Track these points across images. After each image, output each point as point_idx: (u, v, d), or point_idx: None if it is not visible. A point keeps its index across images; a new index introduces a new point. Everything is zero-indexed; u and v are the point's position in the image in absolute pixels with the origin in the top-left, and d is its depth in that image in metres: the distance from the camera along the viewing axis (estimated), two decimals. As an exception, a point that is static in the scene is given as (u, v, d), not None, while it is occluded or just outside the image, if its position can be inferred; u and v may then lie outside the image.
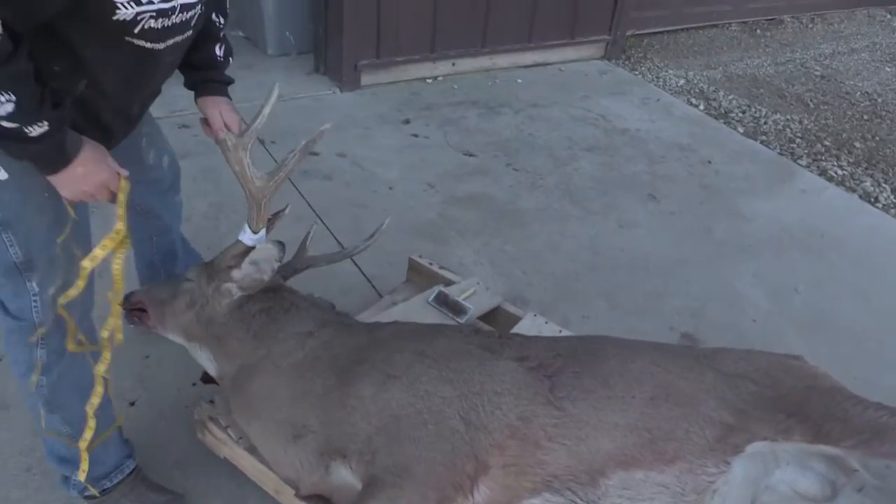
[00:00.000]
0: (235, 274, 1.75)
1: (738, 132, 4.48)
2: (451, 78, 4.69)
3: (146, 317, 1.89)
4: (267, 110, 1.56)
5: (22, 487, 1.94)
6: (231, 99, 1.87)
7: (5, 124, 1.26)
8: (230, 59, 1.89)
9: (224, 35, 1.85)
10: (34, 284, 1.52)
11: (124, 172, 1.53)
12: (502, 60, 4.88)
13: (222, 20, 1.82)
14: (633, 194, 3.62)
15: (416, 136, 3.95)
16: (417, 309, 2.30)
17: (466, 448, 1.44)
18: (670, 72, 5.30)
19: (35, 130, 1.30)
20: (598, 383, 1.50)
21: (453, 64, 4.70)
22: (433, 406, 1.49)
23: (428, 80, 4.62)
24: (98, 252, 1.54)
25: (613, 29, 5.21)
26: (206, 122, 1.84)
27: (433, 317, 2.26)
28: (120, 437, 1.88)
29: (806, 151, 4.33)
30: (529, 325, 2.30)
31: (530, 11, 4.75)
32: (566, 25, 4.97)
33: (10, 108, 1.24)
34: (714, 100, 4.91)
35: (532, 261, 3.01)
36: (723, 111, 4.76)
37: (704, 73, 5.35)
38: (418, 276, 2.55)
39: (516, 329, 2.27)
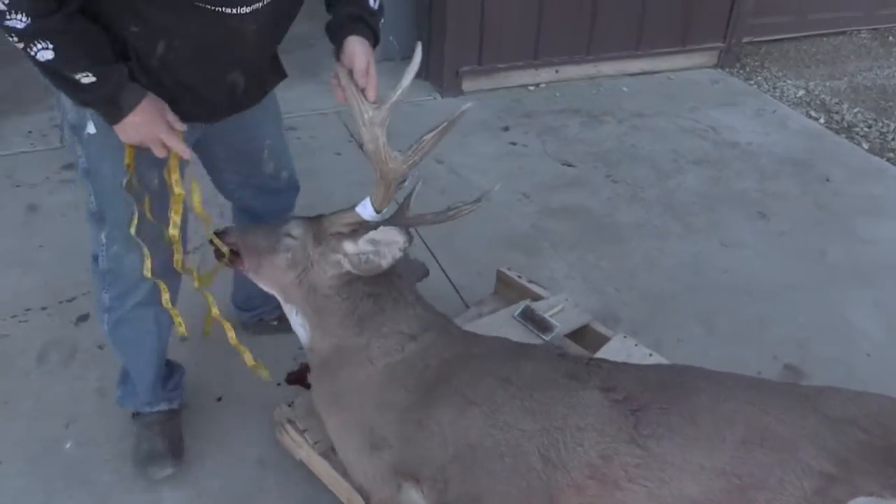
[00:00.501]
0: (348, 247, 1.62)
1: (863, 148, 4.17)
2: (553, 85, 4.61)
3: (239, 261, 1.79)
4: (407, 81, 1.45)
5: (112, 472, 2.03)
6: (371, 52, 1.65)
7: (61, 70, 1.39)
8: (382, 12, 1.71)
9: None
10: (103, 237, 1.73)
11: (181, 126, 1.53)
12: (608, 68, 4.75)
13: None
14: (740, 212, 3.43)
15: (514, 143, 3.90)
16: (502, 323, 2.25)
17: (542, 486, 1.38)
18: (789, 82, 5.01)
19: (85, 79, 1.38)
20: (685, 421, 1.40)
21: (556, 71, 4.61)
22: (512, 439, 1.42)
23: (530, 88, 4.56)
24: (175, 218, 1.67)
25: (728, 36, 4.97)
26: (337, 78, 1.57)
27: (518, 332, 2.21)
28: (167, 381, 2.08)
29: (939, 171, 3.99)
30: (618, 346, 2.22)
31: (639, 18, 4.60)
32: (677, 32, 4.79)
33: (49, 55, 1.34)
34: (836, 113, 4.60)
35: (627, 278, 2.90)
36: (846, 125, 4.45)
37: (827, 84, 5.03)
38: (506, 289, 2.50)
39: (604, 350, 2.19)
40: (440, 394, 1.53)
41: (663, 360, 2.16)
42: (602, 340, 2.25)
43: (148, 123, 1.48)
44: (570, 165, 3.71)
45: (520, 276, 2.47)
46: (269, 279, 1.76)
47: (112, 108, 1.45)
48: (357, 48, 1.57)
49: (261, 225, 1.86)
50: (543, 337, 2.18)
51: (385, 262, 1.56)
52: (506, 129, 4.02)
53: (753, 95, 4.75)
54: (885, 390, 1.76)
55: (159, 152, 1.53)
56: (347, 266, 1.62)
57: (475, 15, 4.15)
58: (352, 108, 1.46)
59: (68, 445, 2.10)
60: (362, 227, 1.60)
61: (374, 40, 1.66)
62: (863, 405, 1.46)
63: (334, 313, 1.67)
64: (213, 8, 1.39)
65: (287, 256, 1.69)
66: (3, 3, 1.27)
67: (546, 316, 2.25)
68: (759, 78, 5.04)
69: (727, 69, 5.08)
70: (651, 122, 4.25)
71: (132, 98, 1.45)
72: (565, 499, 1.38)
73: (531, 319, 2.24)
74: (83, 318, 2.55)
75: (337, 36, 1.62)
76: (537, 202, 3.37)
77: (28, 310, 2.57)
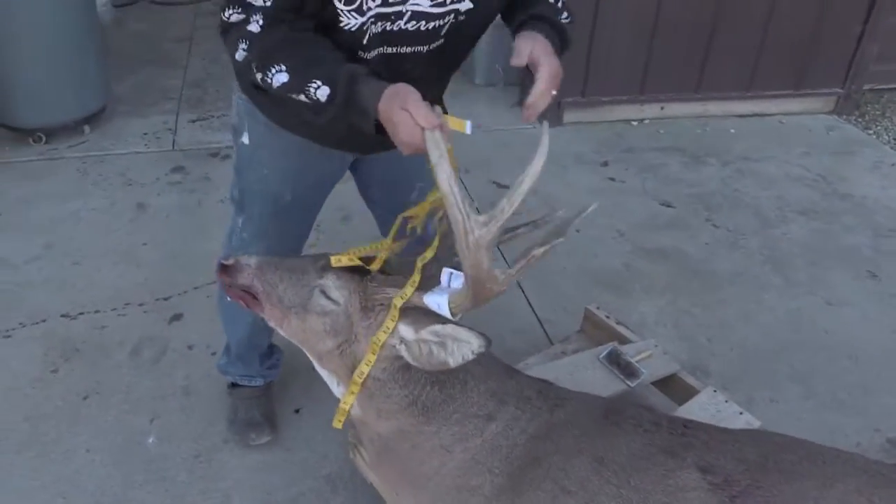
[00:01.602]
0: (405, 332, 1.29)
1: None
2: (657, 122, 4.50)
3: (256, 305, 1.45)
4: (526, 186, 1.15)
5: (188, 472, 2.08)
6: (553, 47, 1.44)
7: (297, 87, 1.33)
8: (569, 13, 1.53)
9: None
10: (239, 221, 1.86)
11: (432, 123, 1.19)
12: (715, 108, 4.61)
13: None
14: (848, 269, 3.24)
15: (612, 179, 3.82)
16: (586, 364, 2.19)
17: None
18: (912, 134, 4.72)
19: (318, 91, 1.30)
20: None
21: (662, 108, 4.51)
22: None
23: (633, 123, 4.47)
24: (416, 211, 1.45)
25: (848, 82, 4.73)
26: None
27: (602, 375, 2.14)
28: (265, 360, 2.21)
29: None
30: (707, 400, 2.11)
31: (754, 58, 4.44)
32: (792, 75, 4.59)
33: (283, 77, 1.33)
34: (963, 171, 4.30)
35: (720, 329, 2.78)
36: (973, 185, 4.15)
37: (954, 139, 4.71)
38: (593, 328, 2.43)
39: (692, 403, 2.09)
40: (531, 478, 1.38)
41: (755, 421, 2.05)
42: (690, 392, 2.15)
43: (397, 125, 1.24)
44: (669, 206, 3.60)
45: (608, 317, 2.40)
46: (299, 339, 1.44)
47: (361, 117, 1.31)
48: (537, 47, 1.37)
49: (286, 261, 1.46)
50: (629, 383, 2.11)
51: (453, 361, 1.25)
52: (605, 163, 3.95)
53: (871, 146, 4.49)
54: None
55: (419, 146, 1.25)
56: (405, 354, 1.31)
57: (583, 46, 4.10)
58: (452, 218, 1.14)
59: (151, 440, 2.17)
60: (423, 312, 1.27)
61: (560, 31, 1.48)
62: None
63: (391, 398, 1.39)
64: (394, 51, 1.42)
65: (325, 322, 1.37)
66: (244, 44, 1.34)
67: (633, 361, 2.17)
68: (878, 128, 4.77)
69: (844, 116, 4.83)
70: (757, 166, 4.08)
71: (370, 97, 1.28)
72: None
73: (617, 363, 2.16)
74: (177, 317, 2.64)
75: (516, 30, 1.46)
76: (632, 241, 3.28)
77: (127, 304, 2.69)
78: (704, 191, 3.78)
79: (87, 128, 3.85)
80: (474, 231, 1.13)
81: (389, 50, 1.42)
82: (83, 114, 3.80)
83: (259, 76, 1.35)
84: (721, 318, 2.83)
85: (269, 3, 1.31)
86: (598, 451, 1.38)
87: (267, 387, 2.25)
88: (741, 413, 2.07)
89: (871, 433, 2.38)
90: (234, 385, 2.23)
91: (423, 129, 1.19)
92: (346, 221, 3.19)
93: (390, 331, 1.31)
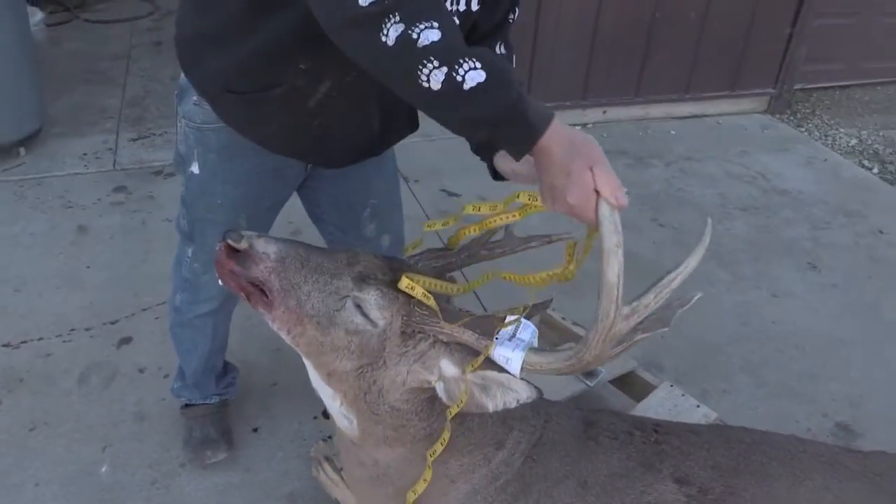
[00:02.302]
0: (447, 368, 1.15)
1: (918, 201, 4.06)
2: (600, 126, 4.59)
3: (264, 304, 1.19)
4: (676, 283, 1.09)
5: (145, 500, 2.02)
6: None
7: (431, 66, 1.01)
8: (512, 58, 1.48)
9: (507, 34, 1.48)
10: (189, 252, 1.79)
11: (621, 202, 1.06)
12: (656, 110, 4.72)
13: (514, 17, 1.51)
14: (790, 262, 3.34)
15: (559, 183, 3.87)
16: (545, 366, 2.20)
17: None
18: (841, 130, 4.91)
19: (469, 79, 1.02)
20: None
21: (604, 112, 4.60)
22: None
23: (576, 127, 4.55)
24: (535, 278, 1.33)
25: (780, 82, 4.90)
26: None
27: (561, 377, 2.15)
28: (221, 380, 2.15)
29: None
30: (664, 395, 2.15)
31: (690, 61, 4.57)
32: (727, 77, 4.74)
33: (434, 35, 1.01)
34: (891, 163, 4.49)
35: (673, 325, 2.83)
36: (901, 176, 4.34)
37: (881, 134, 4.92)
38: (549, 330, 2.45)
39: (650, 399, 2.13)
40: None
41: (711, 413, 2.09)
42: (647, 388, 2.19)
43: (579, 184, 1.06)
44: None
45: (563, 318, 2.42)
46: (311, 351, 1.22)
47: (521, 126, 1.07)
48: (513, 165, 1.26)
49: (313, 256, 1.19)
50: (588, 382, 2.13)
51: (493, 407, 1.14)
52: (551, 168, 4.00)
53: (804, 143, 4.66)
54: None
55: (586, 216, 1.08)
56: (441, 392, 1.17)
57: (525, 52, 4.16)
58: (604, 310, 1.03)
59: (104, 469, 2.10)
60: (474, 354, 1.14)
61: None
62: None
63: (404, 429, 1.25)
64: None
65: (351, 340, 1.17)
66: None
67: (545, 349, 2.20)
68: (810, 125, 4.96)
69: (777, 115, 5.00)
70: (699, 166, 4.19)
71: (539, 117, 1.07)
72: None
73: (574, 364, 2.19)
74: (125, 340, 2.57)
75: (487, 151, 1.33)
76: (579, 244, 3.32)
77: (72, 330, 2.60)
78: (649, 192, 3.86)
79: (22, 150, 3.72)
80: (617, 325, 1.04)
81: None
82: (18, 136, 3.67)
83: (398, 29, 1.01)
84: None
85: None
86: (582, 473, 1.36)
87: (222, 404, 2.19)
88: (698, 406, 2.11)
89: (820, 418, 2.46)
90: (187, 405, 2.17)
91: (598, 199, 1.05)
92: (295, 236, 3.15)
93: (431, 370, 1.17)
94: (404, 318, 1.17)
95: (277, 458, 2.16)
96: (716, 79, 4.71)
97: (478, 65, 1.03)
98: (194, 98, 1.52)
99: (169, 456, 2.15)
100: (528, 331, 1.13)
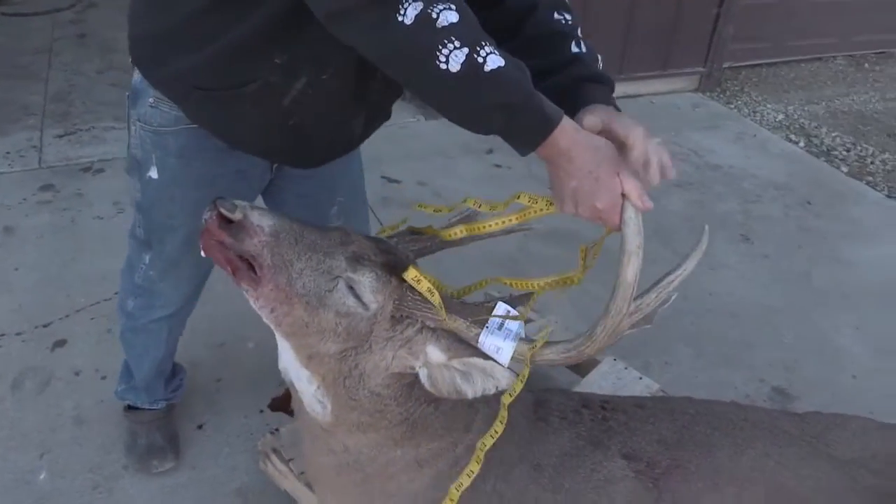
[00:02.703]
0: (433, 354, 1.13)
1: (842, 172, 4.22)
2: (537, 108, 4.62)
3: (250, 280, 1.12)
4: (675, 284, 1.13)
5: (88, 505, 1.96)
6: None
7: (452, 46, 0.98)
8: (598, 58, 1.37)
9: (579, 34, 1.37)
10: (146, 258, 1.70)
11: (647, 205, 1.11)
12: (591, 91, 4.77)
13: (568, 17, 1.37)
14: (724, 235, 3.44)
15: (499, 166, 3.89)
16: (490, 347, 2.22)
17: None
18: (769, 106, 5.06)
19: (490, 61, 1.00)
20: (707, 487, 1.33)
21: (540, 94, 4.63)
22: None
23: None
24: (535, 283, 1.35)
25: (709, 61, 5.03)
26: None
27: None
28: (169, 383, 2.08)
29: (918, 195, 4.04)
30: (607, 369, 2.19)
31: (622, 42, 4.64)
32: (659, 57, 4.83)
33: (452, 17, 0.99)
34: (816, 137, 4.66)
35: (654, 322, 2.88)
36: (825, 149, 4.50)
37: (806, 109, 5.09)
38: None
39: (594, 373, 2.17)
40: (481, 492, 1.33)
41: (653, 384, 2.14)
42: (591, 363, 2.22)
43: (607, 188, 1.08)
44: (554, 188, 3.70)
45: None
46: (294, 332, 1.16)
47: (538, 115, 1.06)
48: (613, 124, 1.15)
49: (306, 233, 1.13)
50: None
51: (472, 393, 1.14)
52: (490, 151, 4.02)
53: (734, 119, 4.79)
54: (871, 412, 1.75)
55: (612, 219, 1.12)
56: (423, 377, 1.15)
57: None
58: (617, 307, 1.06)
59: (42, 477, 2.03)
60: (459, 340, 1.13)
61: (610, 86, 1.33)
62: (869, 444, 1.42)
63: (381, 413, 1.22)
64: None
65: (340, 322, 1.12)
66: None
67: (535, 338, 2.22)
68: (739, 102, 5.09)
69: (707, 93, 5.13)
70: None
71: (554, 111, 1.07)
72: None
73: (519, 343, 2.21)
74: (59, 343, 2.48)
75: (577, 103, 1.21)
76: (524, 225, 3.35)
77: (2, 335, 2.50)
78: (587, 171, 3.91)
79: (-62, 151, 3.56)
80: (624, 321, 1.07)
81: None
82: (-67, 136, 3.50)
83: (417, 8, 0.97)
84: (613, 291, 2.94)
85: None
86: (535, 456, 1.37)
87: (169, 408, 2.11)
88: (640, 378, 2.16)
89: (757, 384, 2.54)
90: (131, 407, 2.08)
91: (624, 204, 1.06)
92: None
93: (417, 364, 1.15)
94: (396, 302, 1.13)
95: (224, 453, 2.12)
96: (647, 59, 4.79)
97: (496, 50, 1.01)
98: (150, 100, 1.44)
99: (110, 459, 2.09)
100: (515, 321, 1.12)
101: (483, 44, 1.00)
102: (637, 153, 1.13)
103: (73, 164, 3.57)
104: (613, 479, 1.35)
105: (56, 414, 2.22)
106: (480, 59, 0.99)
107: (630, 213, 1.06)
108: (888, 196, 3.99)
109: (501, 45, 1.06)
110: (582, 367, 2.25)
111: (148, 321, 1.84)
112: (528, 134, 1.08)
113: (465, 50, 0.99)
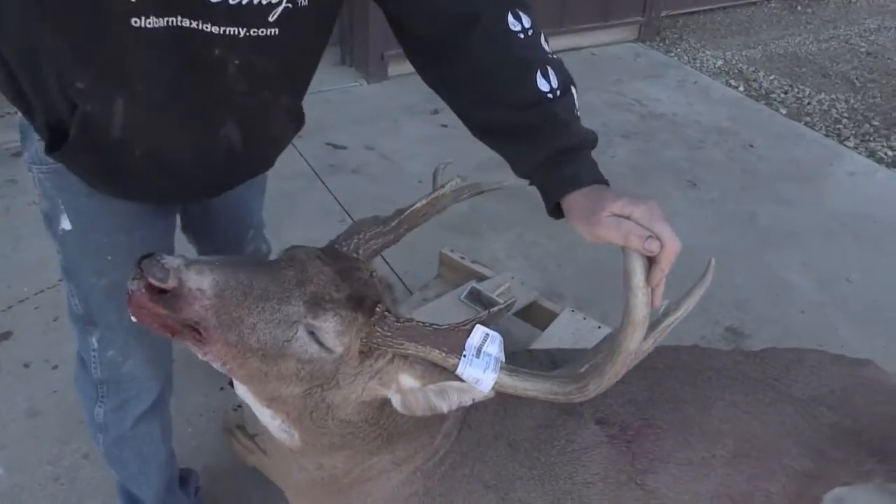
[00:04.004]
0: (406, 381, 1.05)
1: (781, 114, 4.30)
2: (480, 66, 4.58)
3: (194, 340, 0.99)
4: (683, 313, 1.01)
5: (50, 498, 1.91)
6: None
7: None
8: (572, 89, 1.14)
9: (545, 49, 1.12)
10: (94, 341, 1.36)
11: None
12: (533, 46, 4.75)
13: (526, 23, 1.10)
14: (671, 181, 3.49)
15: (445, 126, 3.86)
16: (449, 306, 2.22)
17: None
18: (707, 53, 5.12)
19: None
20: (678, 444, 1.33)
21: (482, 51, 4.59)
22: None
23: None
24: None
25: (647, 10, 5.05)
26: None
27: (466, 315, 2.18)
28: (185, 491, 1.79)
29: (853, 132, 4.14)
30: (567, 321, 2.21)
31: (561, -5, 4.62)
32: (599, 8, 4.83)
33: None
34: (754, 80, 4.73)
35: (567, 253, 2.91)
36: (763, 92, 4.58)
37: (743, 53, 5.16)
38: (450, 272, 2.46)
39: (554, 325, 2.18)
40: (459, 476, 1.29)
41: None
42: (550, 316, 2.24)
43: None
44: (502, 145, 3.70)
45: (463, 258, 2.43)
46: (250, 380, 1.06)
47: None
48: (604, 230, 1.00)
49: (255, 281, 0.98)
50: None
51: (447, 408, 1.05)
52: (435, 111, 3.97)
53: (675, 67, 4.83)
54: (821, 344, 1.81)
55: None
56: (396, 402, 1.07)
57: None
58: (632, 341, 0.97)
59: (-1, 472, 1.97)
60: (434, 365, 1.03)
61: (590, 147, 1.14)
62: (825, 380, 1.45)
63: (352, 436, 1.15)
64: (191, 24, 0.96)
65: (302, 368, 1.02)
66: None
67: (493, 296, 2.23)
68: (678, 50, 5.13)
69: (648, 43, 5.15)
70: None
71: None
72: None
73: (478, 300, 2.21)
74: (4, 336, 2.39)
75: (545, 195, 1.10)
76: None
77: (-58, 331, 2.40)
78: (534, 127, 3.91)
79: None
80: (640, 351, 0.97)
81: (185, 23, 0.95)
82: None
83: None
84: (567, 244, 2.96)
85: None
86: (510, 432, 1.33)
87: None
88: (599, 327, 2.18)
89: (712, 326, 2.60)
90: None
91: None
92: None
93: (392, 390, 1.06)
94: (363, 340, 1.03)
95: (188, 434, 2.08)
96: (587, 11, 4.79)
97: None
98: (37, 136, 1.16)
99: (69, 449, 2.03)
100: (495, 343, 1.01)
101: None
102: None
103: (1, 150, 3.41)
104: (588, 446, 1.33)
105: (8, 408, 2.15)
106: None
107: (640, 282, 0.97)
108: (825, 135, 4.08)
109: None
110: (540, 321, 2.27)
111: (130, 426, 1.49)
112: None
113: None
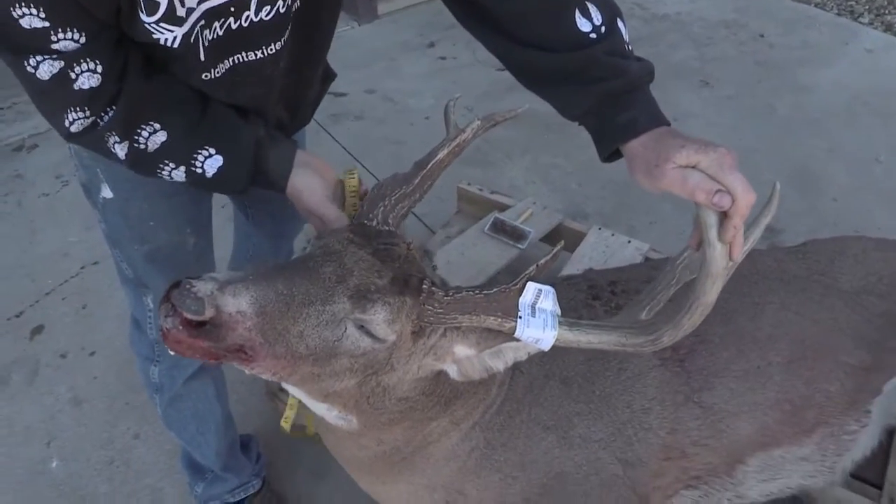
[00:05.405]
0: (461, 350, 1.01)
1: (788, -2, 4.13)
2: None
3: (241, 360, 0.94)
4: (759, 233, 0.94)
5: (108, 482, 1.93)
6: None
7: (169, 168, 1.03)
8: (618, 23, 1.05)
9: None
10: (149, 301, 1.38)
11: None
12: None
13: None
14: (684, 83, 3.37)
15: (443, 58, 3.75)
16: (474, 240, 2.18)
17: (629, 492, 1.28)
18: (704, -56, 4.90)
19: (209, 167, 1.04)
20: (732, 356, 1.29)
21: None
22: (591, 455, 1.26)
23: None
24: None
25: None
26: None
27: (492, 246, 2.14)
28: (248, 456, 1.82)
29: (866, 8, 3.97)
30: (595, 240, 2.16)
31: None
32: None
33: (160, 137, 1.00)
34: (757, -34, 4.53)
35: (586, 171, 2.84)
36: (768, -23, 4.38)
37: (742, -61, 4.93)
38: (470, 206, 2.41)
39: (583, 246, 2.14)
40: (518, 423, 1.27)
41: (643, 245, 2.12)
42: (578, 237, 2.20)
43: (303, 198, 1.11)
44: (504, 70, 3.58)
45: (481, 189, 2.38)
46: (303, 383, 1.03)
47: (271, 185, 1.11)
48: (666, 178, 0.92)
49: (295, 290, 0.93)
50: (519, 246, 2.12)
51: (503, 366, 1.03)
52: (431, 45, 3.86)
53: (672, -36, 4.63)
54: (858, 230, 1.74)
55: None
56: (452, 372, 1.05)
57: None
58: (707, 272, 0.92)
59: (54, 464, 1.99)
60: (489, 331, 0.99)
61: (647, 82, 1.04)
62: (869, 267, 1.40)
63: (411, 409, 1.13)
64: (244, 59, 1.03)
65: (355, 361, 0.99)
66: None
67: (517, 224, 2.18)
68: (673, -55, 4.91)
69: (641, -58, 4.93)
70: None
71: (283, 165, 1.09)
72: (649, 487, 1.30)
73: (503, 230, 2.17)
74: (37, 330, 2.39)
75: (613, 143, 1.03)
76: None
77: (-25, 334, 2.41)
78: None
79: None
80: (723, 262, 0.92)
81: (237, 59, 1.02)
82: None
83: (125, 147, 0.99)
84: (584, 161, 2.88)
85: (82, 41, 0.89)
86: (560, 370, 1.30)
87: (266, 486, 1.84)
88: (629, 241, 2.13)
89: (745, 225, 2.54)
90: None
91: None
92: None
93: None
94: (414, 321, 0.98)
95: (233, 401, 2.07)
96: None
97: (214, 151, 1.04)
98: None
99: (118, 431, 2.05)
100: (549, 297, 0.96)
101: (197, 153, 1.03)
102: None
103: (3, 146, 3.37)
104: (641, 372, 1.30)
105: (52, 400, 2.16)
106: (200, 170, 1.04)
107: (716, 235, 0.91)
108: (838, 14, 3.92)
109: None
110: (569, 243, 2.22)
111: (183, 383, 1.52)
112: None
113: (182, 168, 1.03)
